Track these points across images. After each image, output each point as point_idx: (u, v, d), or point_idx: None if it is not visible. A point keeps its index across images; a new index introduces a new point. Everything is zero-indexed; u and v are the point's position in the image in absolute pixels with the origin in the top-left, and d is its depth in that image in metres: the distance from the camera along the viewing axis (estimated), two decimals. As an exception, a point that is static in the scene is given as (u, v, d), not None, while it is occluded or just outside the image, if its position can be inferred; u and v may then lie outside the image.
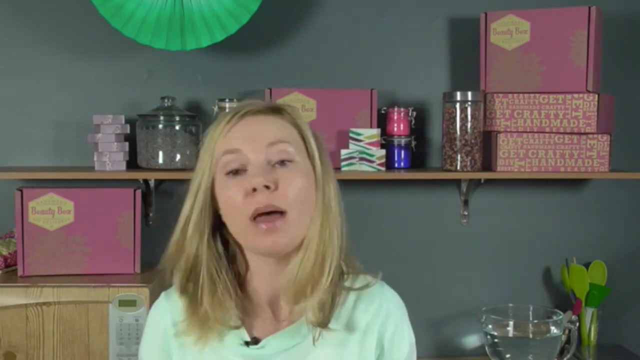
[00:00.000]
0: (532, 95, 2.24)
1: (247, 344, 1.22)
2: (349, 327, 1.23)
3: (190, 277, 1.22)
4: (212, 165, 1.20)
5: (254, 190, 1.15)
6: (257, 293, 1.25)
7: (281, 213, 1.16)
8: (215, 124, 1.23)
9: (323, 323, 1.19)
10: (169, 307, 1.27)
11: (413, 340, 1.30)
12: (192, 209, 1.23)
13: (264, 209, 1.15)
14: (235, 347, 1.22)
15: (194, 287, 1.22)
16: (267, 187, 1.15)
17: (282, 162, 1.18)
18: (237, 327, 1.21)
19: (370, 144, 2.23)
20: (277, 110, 1.24)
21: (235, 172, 1.19)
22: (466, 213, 2.45)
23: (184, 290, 1.23)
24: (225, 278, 1.22)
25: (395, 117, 2.33)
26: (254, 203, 1.15)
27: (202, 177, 1.22)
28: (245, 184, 1.16)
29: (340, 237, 1.22)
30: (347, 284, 1.25)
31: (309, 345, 1.21)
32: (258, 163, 1.17)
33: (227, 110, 2.25)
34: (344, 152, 2.22)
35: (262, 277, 1.23)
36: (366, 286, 1.25)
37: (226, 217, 1.21)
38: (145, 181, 2.32)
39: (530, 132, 2.24)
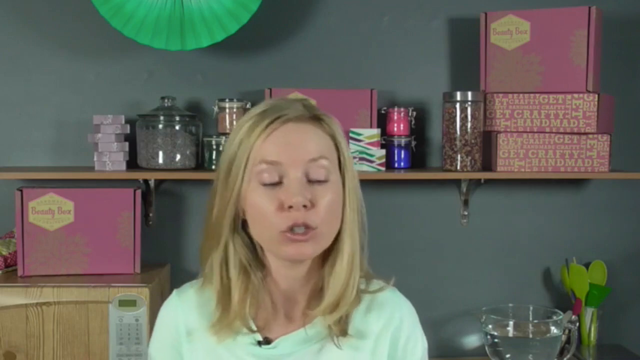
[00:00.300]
0: (532, 95, 2.24)
1: (259, 343, 1.22)
2: (362, 331, 1.24)
3: (223, 272, 1.22)
4: (248, 169, 1.16)
5: (290, 207, 1.14)
6: (273, 292, 1.25)
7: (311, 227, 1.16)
8: (253, 120, 1.18)
9: (343, 332, 1.21)
10: (181, 305, 1.27)
11: (426, 345, 1.32)
12: (222, 204, 1.20)
13: (299, 225, 1.14)
14: (247, 345, 1.22)
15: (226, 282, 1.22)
16: (304, 206, 1.14)
17: (319, 180, 1.17)
18: (254, 331, 1.22)
19: (370, 144, 2.24)
20: (317, 119, 1.21)
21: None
22: (466, 213, 2.45)
23: (222, 286, 1.22)
24: (256, 268, 1.22)
25: (395, 117, 2.33)
26: (289, 219, 1.14)
27: (232, 172, 1.18)
28: (281, 197, 1.14)
29: (362, 249, 1.23)
30: (361, 286, 1.26)
31: (321, 347, 1.22)
32: (296, 178, 1.15)
33: (227, 109, 2.26)
34: (344, 152, 2.22)
35: (278, 277, 1.23)
36: (379, 290, 1.26)
37: (250, 219, 1.20)
38: (145, 181, 2.32)
39: (530, 132, 2.24)
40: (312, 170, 1.16)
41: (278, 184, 1.16)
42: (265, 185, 1.16)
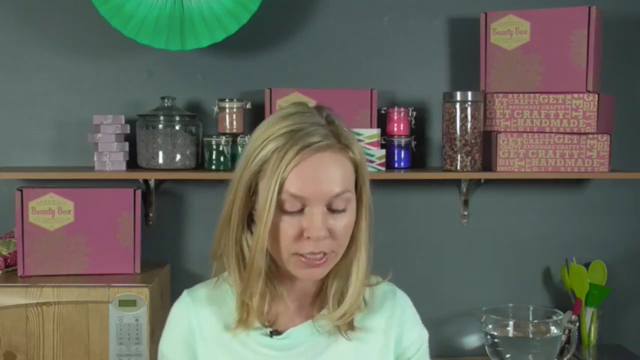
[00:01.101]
0: (532, 95, 2.24)
1: (270, 334, 1.25)
2: (366, 323, 1.29)
3: (242, 272, 1.23)
4: (274, 197, 1.15)
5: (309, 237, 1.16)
6: (287, 289, 1.27)
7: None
8: (281, 141, 1.16)
9: (350, 325, 1.26)
10: (193, 304, 1.29)
11: (426, 332, 1.38)
12: (240, 212, 1.21)
13: (316, 254, 1.17)
14: (258, 337, 1.25)
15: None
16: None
17: (338, 210, 1.18)
18: (268, 326, 1.25)
19: (370, 144, 2.23)
20: (344, 149, 1.20)
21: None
22: (466, 213, 2.45)
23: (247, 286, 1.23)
24: (272, 269, 1.23)
25: (395, 117, 2.33)
26: (308, 246, 1.16)
27: (260, 197, 1.17)
28: (302, 226, 1.16)
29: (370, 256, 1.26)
30: None
31: (330, 338, 1.26)
32: (319, 212, 1.16)
33: (227, 109, 2.25)
34: (344, 152, 2.22)
35: (292, 279, 1.25)
36: (377, 284, 1.32)
37: (270, 236, 1.20)
38: (145, 181, 2.32)
39: (530, 132, 2.24)
40: (335, 203, 1.17)
41: (299, 211, 1.17)
42: (285, 211, 1.17)
